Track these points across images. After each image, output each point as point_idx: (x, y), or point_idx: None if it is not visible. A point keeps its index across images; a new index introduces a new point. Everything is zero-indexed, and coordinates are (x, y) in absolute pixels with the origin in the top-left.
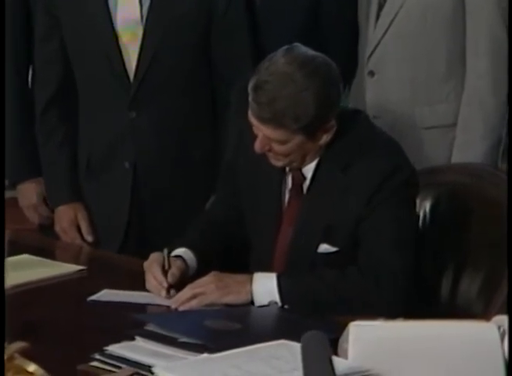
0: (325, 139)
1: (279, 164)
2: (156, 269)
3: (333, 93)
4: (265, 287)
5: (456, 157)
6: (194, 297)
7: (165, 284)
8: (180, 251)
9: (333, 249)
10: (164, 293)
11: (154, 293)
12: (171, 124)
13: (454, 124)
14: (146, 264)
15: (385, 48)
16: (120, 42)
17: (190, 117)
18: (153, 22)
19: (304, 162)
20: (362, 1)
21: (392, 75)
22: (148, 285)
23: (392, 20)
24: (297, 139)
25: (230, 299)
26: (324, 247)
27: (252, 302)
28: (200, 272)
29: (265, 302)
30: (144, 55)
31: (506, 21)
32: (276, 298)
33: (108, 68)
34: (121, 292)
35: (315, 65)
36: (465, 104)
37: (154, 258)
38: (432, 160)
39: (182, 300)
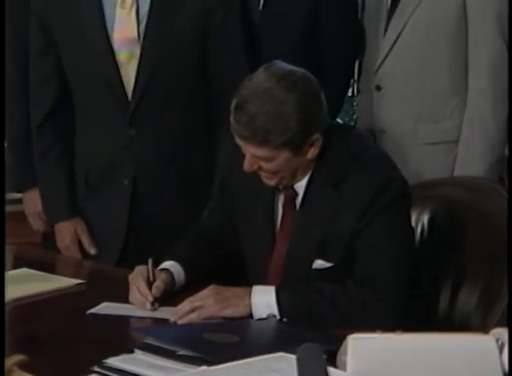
0: (312, 152)
1: (271, 183)
2: (140, 282)
3: (314, 106)
4: (263, 301)
5: (458, 174)
6: (193, 310)
7: (150, 298)
8: (167, 264)
9: (328, 265)
10: (148, 306)
11: (138, 306)
12: (170, 141)
13: (457, 141)
14: (130, 276)
15: (392, 63)
16: (118, 60)
17: (189, 134)
18: (151, 40)
19: (295, 178)
20: (371, 16)
21: (398, 90)
22: (132, 298)
23: (398, 35)
24: (283, 154)
25: (229, 312)
26: (319, 263)
27: (251, 315)
28: (191, 284)
29: (264, 315)
30: (142, 73)
31: (506, 38)
32: (275, 311)
33: (106, 87)
34: (121, 305)
35: (293, 78)
36: (466, 121)
37: (139, 270)
38: (435, 176)
39: (181, 313)
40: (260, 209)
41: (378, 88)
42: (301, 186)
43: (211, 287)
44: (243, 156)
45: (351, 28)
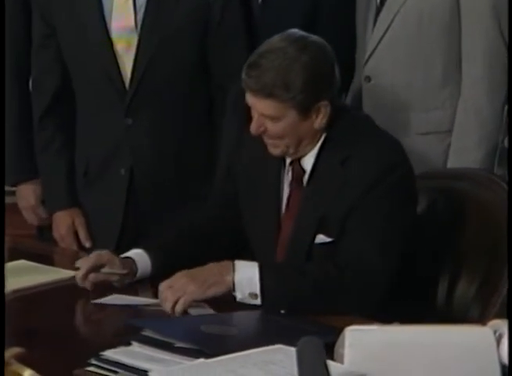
0: (319, 121)
1: (276, 151)
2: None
3: (325, 71)
4: (246, 275)
5: (452, 164)
6: (176, 301)
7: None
8: (133, 252)
9: (329, 240)
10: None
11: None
12: (167, 131)
13: (449, 131)
14: None
15: (382, 54)
16: (115, 50)
17: (186, 124)
18: (148, 30)
19: (300, 147)
20: (360, 7)
21: (388, 81)
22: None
23: (389, 26)
24: (290, 115)
25: (212, 292)
26: (320, 238)
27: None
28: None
29: (246, 293)
30: (139, 62)
31: (501, 26)
32: (257, 289)
33: (104, 76)
34: (130, 297)
35: (307, 41)
36: (460, 111)
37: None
38: (427, 166)
39: (169, 309)
40: (265, 193)
41: (368, 79)
42: (308, 162)
43: (181, 274)
44: (251, 137)
45: (350, 26)
